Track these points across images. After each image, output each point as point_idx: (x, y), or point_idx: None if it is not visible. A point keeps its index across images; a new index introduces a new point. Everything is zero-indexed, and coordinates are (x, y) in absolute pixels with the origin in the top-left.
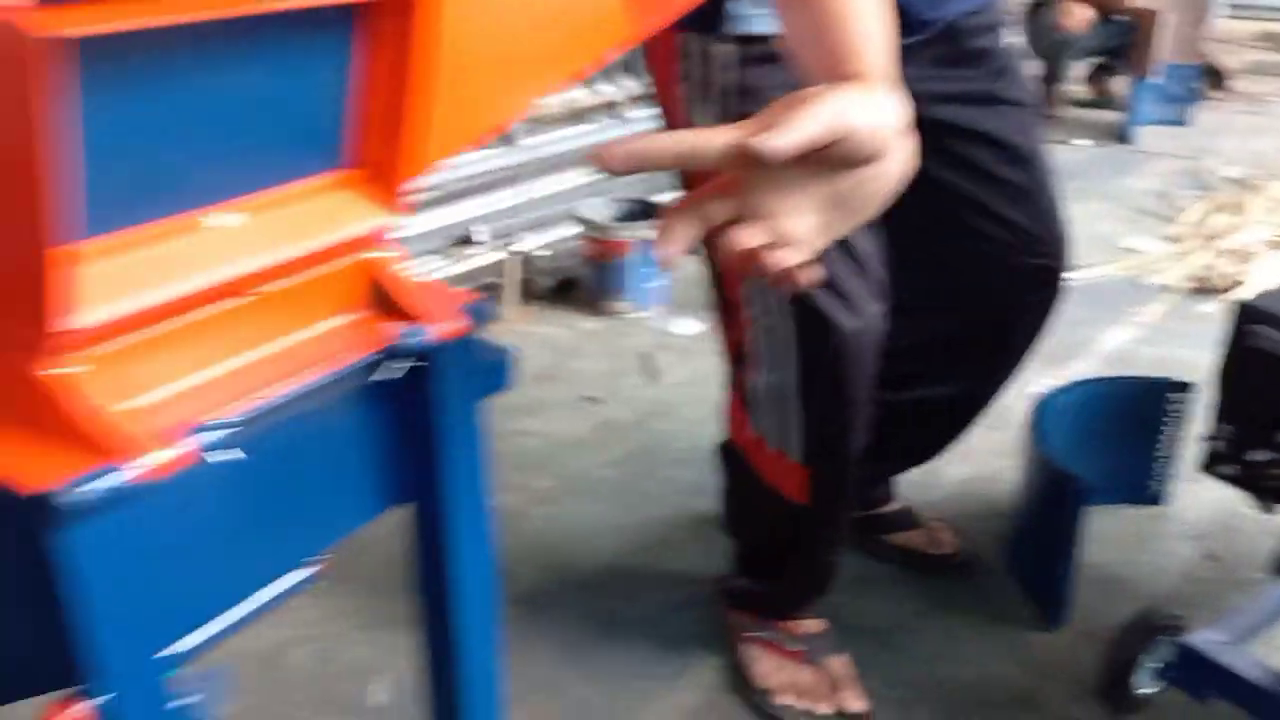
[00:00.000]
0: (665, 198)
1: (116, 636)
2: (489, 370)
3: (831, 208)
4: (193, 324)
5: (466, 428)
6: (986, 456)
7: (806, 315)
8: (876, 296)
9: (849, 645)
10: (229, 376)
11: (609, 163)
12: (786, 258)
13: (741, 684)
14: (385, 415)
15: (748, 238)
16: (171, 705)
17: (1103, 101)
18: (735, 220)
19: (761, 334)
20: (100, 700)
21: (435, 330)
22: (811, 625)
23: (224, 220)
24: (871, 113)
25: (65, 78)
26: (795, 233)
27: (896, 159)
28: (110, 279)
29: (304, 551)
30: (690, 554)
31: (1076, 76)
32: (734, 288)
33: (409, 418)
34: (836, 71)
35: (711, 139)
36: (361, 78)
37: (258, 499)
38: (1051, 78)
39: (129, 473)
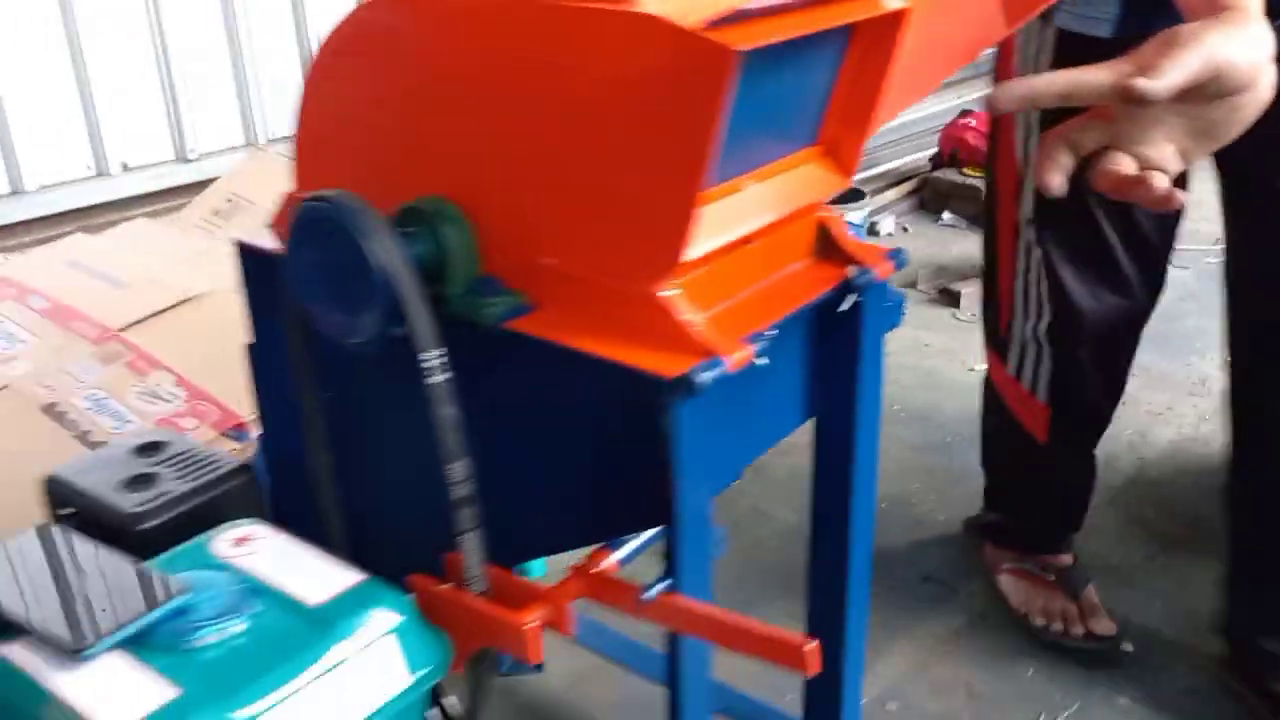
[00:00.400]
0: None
1: (690, 484)
2: (894, 309)
3: (1193, 136)
4: (727, 260)
5: (877, 354)
6: (1193, 421)
7: (1055, 285)
8: (1122, 288)
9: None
10: (751, 300)
11: (1002, 102)
12: (1153, 183)
13: (1000, 609)
14: (815, 341)
15: (1117, 165)
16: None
17: None
18: (1105, 148)
19: (1024, 287)
20: (676, 529)
21: (876, 271)
22: (1063, 558)
23: (753, 184)
24: (1245, 48)
25: (734, 76)
26: (1159, 159)
27: (1261, 89)
28: (705, 223)
29: (757, 449)
30: (930, 499)
31: None
32: (1006, 243)
33: (830, 343)
34: (1212, 5)
35: (1093, 77)
36: (846, 73)
37: (749, 398)
38: None
39: (725, 366)
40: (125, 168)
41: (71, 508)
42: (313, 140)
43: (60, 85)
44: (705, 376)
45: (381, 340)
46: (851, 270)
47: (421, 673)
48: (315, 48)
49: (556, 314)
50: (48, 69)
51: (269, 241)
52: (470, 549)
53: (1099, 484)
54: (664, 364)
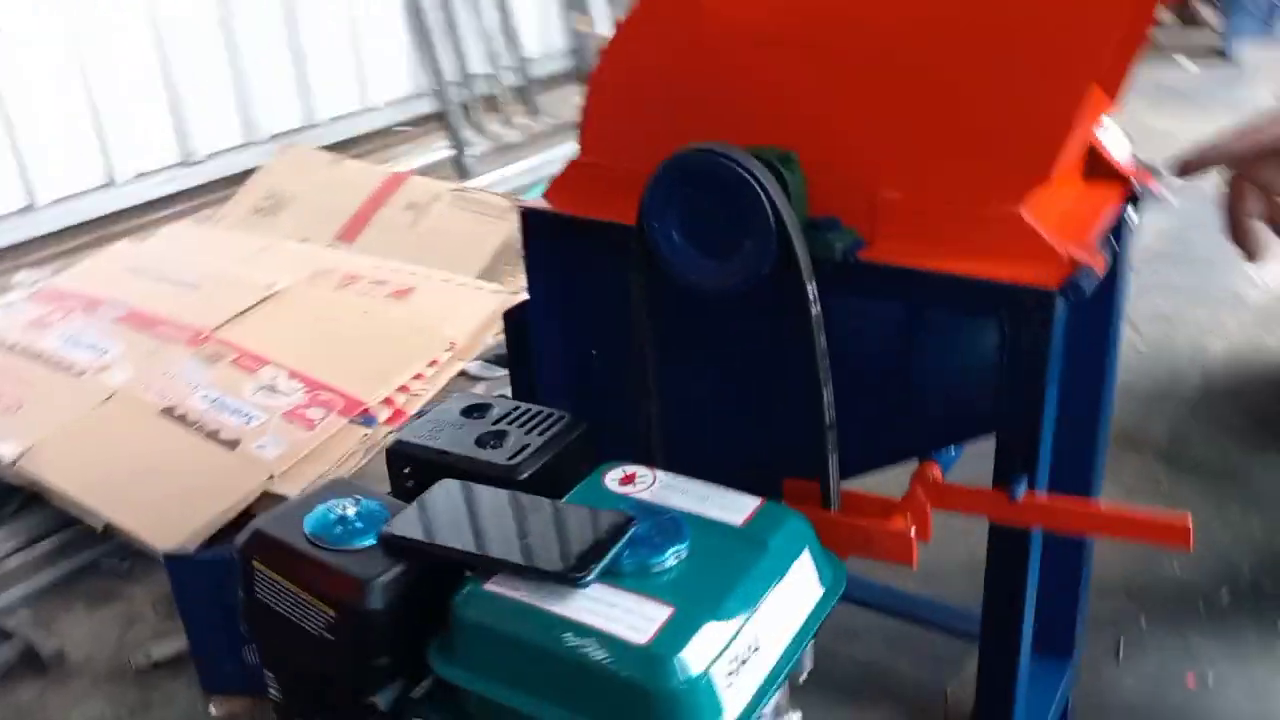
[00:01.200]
0: None
1: (1052, 385)
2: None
3: None
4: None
5: (1127, 262)
6: (1237, 331)
7: None
8: None
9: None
10: (1065, 215)
11: (1193, 169)
12: None
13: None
14: None
15: None
16: None
17: (1189, 18)
18: None
19: None
20: (1039, 428)
21: (1153, 187)
22: None
23: None
24: None
25: None
26: None
27: None
28: None
29: None
30: None
31: None
32: None
33: None
34: None
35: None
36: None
37: None
38: None
39: (1097, 273)
40: (137, 176)
41: (410, 467)
42: (611, 104)
43: (68, 99)
44: (1088, 282)
45: (748, 282)
46: (1136, 187)
47: (828, 587)
48: (306, 43)
49: (898, 244)
50: (56, 85)
51: (547, 204)
52: (833, 470)
53: (1176, 396)
54: (1041, 275)
